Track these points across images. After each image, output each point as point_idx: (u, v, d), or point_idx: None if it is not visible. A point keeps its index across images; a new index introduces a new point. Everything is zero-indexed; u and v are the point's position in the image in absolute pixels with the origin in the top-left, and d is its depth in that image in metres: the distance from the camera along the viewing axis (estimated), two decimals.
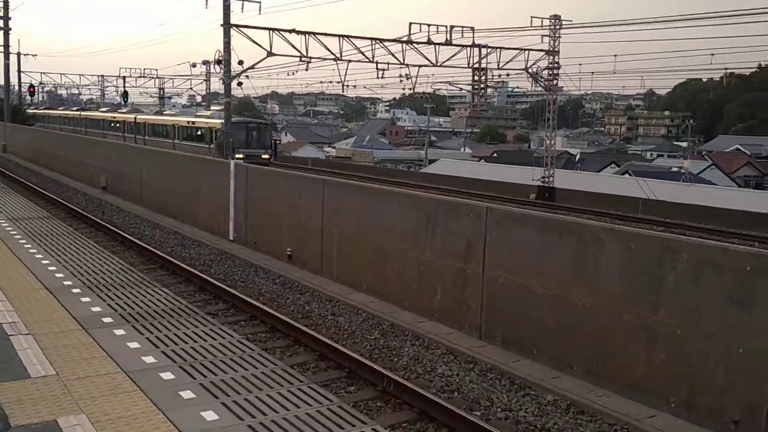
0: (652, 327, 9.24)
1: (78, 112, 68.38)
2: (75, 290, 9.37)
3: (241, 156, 33.43)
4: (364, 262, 14.59)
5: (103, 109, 69.59)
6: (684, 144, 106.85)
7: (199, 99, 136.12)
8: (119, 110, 64.29)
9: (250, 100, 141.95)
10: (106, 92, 76.87)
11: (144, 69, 64.88)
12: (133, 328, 7.97)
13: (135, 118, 54.30)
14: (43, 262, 10.78)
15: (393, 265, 13.79)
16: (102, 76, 72.36)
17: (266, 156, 38.83)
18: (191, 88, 67.51)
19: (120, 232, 19.52)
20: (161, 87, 67.72)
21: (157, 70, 67.18)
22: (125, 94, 62.57)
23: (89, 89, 76.97)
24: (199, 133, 44.40)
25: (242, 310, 12.96)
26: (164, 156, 26.08)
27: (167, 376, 6.91)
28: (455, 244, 12.32)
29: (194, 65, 56.41)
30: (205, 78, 64.83)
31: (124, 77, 63.22)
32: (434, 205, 12.89)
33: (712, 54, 56.58)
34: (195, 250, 18.27)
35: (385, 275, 14.00)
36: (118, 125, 56.52)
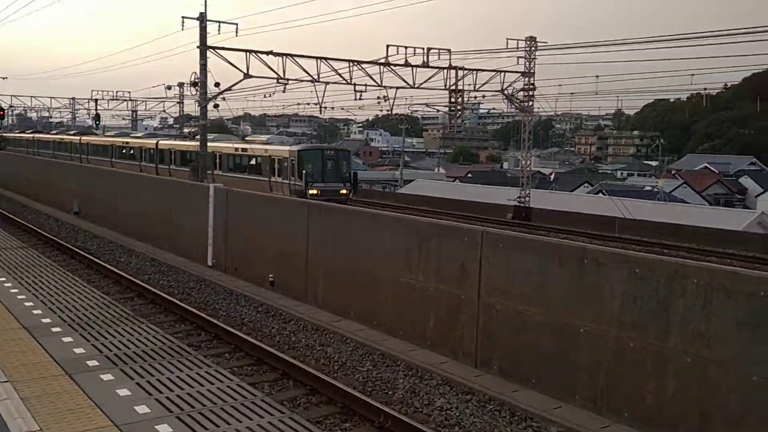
0: (661, 354, 8.88)
1: (77, 137, 57.36)
2: (55, 329, 8.55)
3: (315, 191, 29.04)
4: (352, 289, 14.11)
5: (110, 134, 59.45)
6: (654, 163, 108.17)
7: (171, 121, 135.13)
8: (131, 135, 55.09)
9: (223, 122, 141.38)
10: (77, 115, 75.57)
11: (116, 91, 64.00)
12: (122, 372, 7.08)
13: (156, 144, 43.36)
14: (19, 297, 10.00)
15: (383, 291, 13.32)
16: (73, 98, 71.11)
17: (344, 191, 31.61)
18: (164, 110, 66.55)
19: (96, 260, 18.81)
20: (134, 109, 66.81)
21: (129, 92, 66.33)
22: (97, 117, 61.50)
23: (60, 112, 75.62)
24: (253, 162, 34.86)
25: (225, 342, 12.39)
26: (140, 180, 25.42)
27: (165, 429, 6.23)
28: (449, 269, 11.91)
29: (169, 87, 55.55)
30: (178, 100, 64.13)
31: (96, 99, 62.22)
32: (427, 229, 12.48)
33: (692, 74, 57.06)
34: (173, 277, 17.64)
35: (374, 302, 13.53)
36: (132, 152, 46.29)
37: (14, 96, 67.27)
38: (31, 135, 68.15)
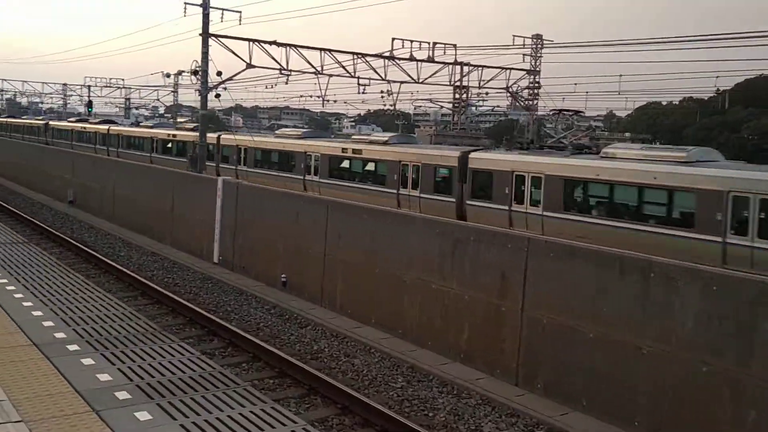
0: (740, 381, 8.01)
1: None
2: (71, 346, 7.04)
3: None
4: (374, 293, 13.16)
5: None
6: None
7: (162, 110, 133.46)
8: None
9: (214, 113, 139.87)
10: (68, 101, 74.05)
11: (110, 78, 62.62)
12: (159, 407, 5.80)
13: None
14: (25, 304, 8.68)
15: (410, 298, 12.39)
16: (65, 84, 69.64)
17: None
18: (158, 99, 65.26)
19: (96, 254, 17.74)
20: (127, 97, 65.44)
21: (123, 80, 64.93)
22: (90, 104, 60.09)
23: (51, 98, 73.99)
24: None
25: (242, 349, 11.40)
26: (140, 170, 24.29)
27: None
28: (488, 277, 10.98)
29: (168, 75, 54.34)
30: (173, 89, 62.90)
31: (89, 86, 60.83)
32: (463, 232, 11.55)
33: (717, 76, 56.31)
34: (178, 275, 16.60)
35: (400, 309, 12.59)
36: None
37: (5, 80, 65.74)
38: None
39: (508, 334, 10.69)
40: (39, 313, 8.32)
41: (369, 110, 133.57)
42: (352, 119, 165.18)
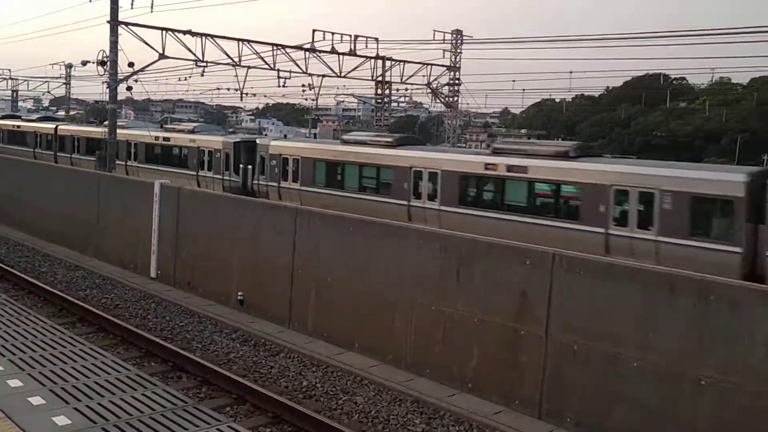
0: None
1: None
2: (26, 394, 5.69)
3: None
4: (357, 315, 11.75)
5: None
6: None
7: (46, 103, 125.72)
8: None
9: (103, 106, 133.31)
10: None
11: None
12: None
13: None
14: None
15: (403, 320, 11.07)
16: None
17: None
18: (49, 91, 60.67)
19: (11, 269, 15.42)
20: (14, 89, 60.45)
21: (9, 70, 59.85)
22: None
23: None
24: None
25: (220, 389, 9.75)
26: (56, 171, 21.73)
27: None
28: (502, 296, 9.82)
29: (70, 66, 50.29)
30: (65, 81, 58.68)
31: None
32: (470, 247, 10.32)
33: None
34: (115, 294, 14.58)
35: (389, 332, 11.25)
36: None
37: None
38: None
39: (528, 361, 9.57)
40: None
41: (267, 104, 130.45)
42: (250, 113, 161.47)
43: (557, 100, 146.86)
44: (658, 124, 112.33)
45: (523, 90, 68.61)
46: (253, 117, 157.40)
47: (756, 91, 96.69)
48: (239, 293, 13.82)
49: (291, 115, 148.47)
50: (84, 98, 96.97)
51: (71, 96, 67.67)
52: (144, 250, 16.18)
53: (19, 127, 43.68)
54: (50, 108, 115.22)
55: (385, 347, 11.28)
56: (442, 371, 10.48)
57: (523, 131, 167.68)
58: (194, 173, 29.61)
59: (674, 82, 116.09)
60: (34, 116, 52.54)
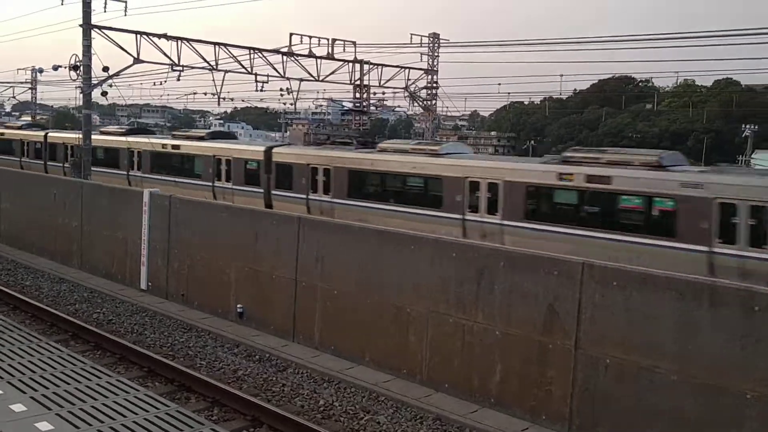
0: None
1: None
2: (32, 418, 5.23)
3: None
4: (368, 327, 11.30)
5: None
6: None
7: (8, 108, 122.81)
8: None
9: (68, 111, 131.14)
10: None
11: None
12: None
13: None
14: None
15: (417, 333, 10.64)
16: None
17: None
18: (14, 96, 59.11)
19: (5, 289, 14.65)
20: None
21: None
22: None
23: None
24: None
25: (233, 410, 9.23)
26: (37, 179, 20.87)
27: None
28: (528, 309, 9.45)
29: (41, 70, 48.98)
30: (30, 86, 57.24)
31: None
32: (490, 257, 9.93)
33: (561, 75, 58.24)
34: (107, 308, 13.92)
35: (403, 345, 10.81)
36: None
37: None
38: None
39: (556, 375, 9.21)
40: None
41: (236, 107, 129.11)
42: (218, 117, 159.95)
43: (525, 103, 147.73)
44: (626, 126, 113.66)
45: (509, 93, 68.10)
46: (222, 121, 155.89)
47: (719, 93, 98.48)
48: (239, 305, 13.29)
49: (260, 119, 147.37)
50: (49, 103, 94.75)
51: (36, 101, 66.06)
52: (133, 261, 15.54)
53: (2, 134, 40.82)
54: (13, 113, 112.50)
55: (399, 360, 10.85)
56: (462, 386, 10.08)
57: (492, 133, 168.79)
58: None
59: (640, 84, 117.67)
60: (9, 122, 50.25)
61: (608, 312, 8.74)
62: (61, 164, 34.04)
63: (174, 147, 29.62)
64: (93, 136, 31.50)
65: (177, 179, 28.56)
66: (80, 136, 34.32)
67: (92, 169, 27.13)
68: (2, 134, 40.91)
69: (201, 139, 30.05)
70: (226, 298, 13.59)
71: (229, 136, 37.12)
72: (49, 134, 37.58)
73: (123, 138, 32.23)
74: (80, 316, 13.01)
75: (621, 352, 8.64)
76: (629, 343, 8.59)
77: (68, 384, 6.11)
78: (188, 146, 29.02)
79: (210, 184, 27.48)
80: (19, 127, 42.07)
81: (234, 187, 26.46)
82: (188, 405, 9.34)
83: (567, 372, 9.10)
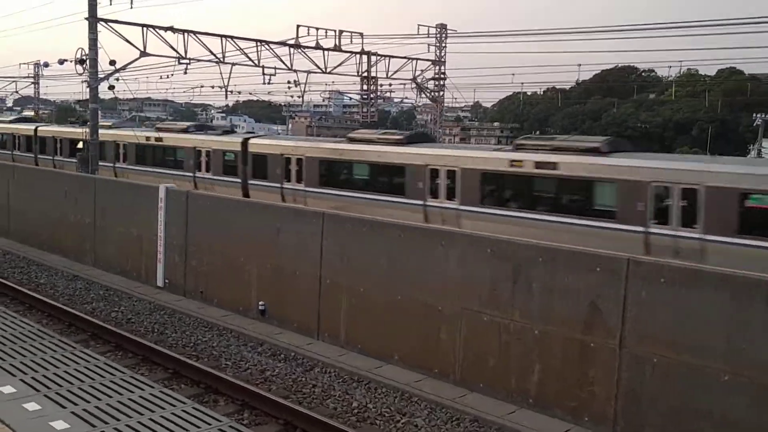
0: None
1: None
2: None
3: None
4: (397, 325, 10.97)
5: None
6: None
7: (10, 103, 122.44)
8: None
9: (69, 105, 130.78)
10: None
11: None
12: None
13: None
14: None
15: (450, 331, 10.32)
16: None
17: None
18: (17, 91, 58.74)
19: (6, 282, 14.35)
20: None
21: None
22: None
23: None
24: None
25: (264, 413, 8.92)
26: (49, 175, 20.53)
27: None
28: (568, 307, 9.12)
29: (46, 65, 48.58)
30: (33, 80, 56.85)
31: None
32: (527, 253, 9.59)
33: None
34: (124, 306, 13.62)
35: (434, 344, 10.49)
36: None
37: None
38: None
39: (599, 375, 8.89)
40: None
41: (238, 101, 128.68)
42: (220, 110, 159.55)
43: (528, 93, 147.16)
44: (629, 116, 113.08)
45: (522, 84, 67.24)
46: (223, 114, 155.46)
47: (722, 83, 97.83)
48: (260, 303, 12.97)
49: (262, 112, 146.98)
50: (51, 98, 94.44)
51: (39, 96, 65.74)
52: (148, 258, 15.22)
53: None
54: (14, 108, 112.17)
55: (430, 359, 10.53)
56: (498, 386, 9.77)
57: (495, 124, 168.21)
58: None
59: (643, 74, 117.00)
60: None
61: (654, 310, 8.41)
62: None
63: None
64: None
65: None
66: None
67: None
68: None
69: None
70: (247, 295, 13.27)
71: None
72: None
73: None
74: (98, 315, 12.69)
75: (668, 352, 8.30)
76: (677, 342, 8.25)
77: (93, 387, 5.74)
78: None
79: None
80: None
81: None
82: (217, 408, 9.03)
83: (611, 372, 8.77)
